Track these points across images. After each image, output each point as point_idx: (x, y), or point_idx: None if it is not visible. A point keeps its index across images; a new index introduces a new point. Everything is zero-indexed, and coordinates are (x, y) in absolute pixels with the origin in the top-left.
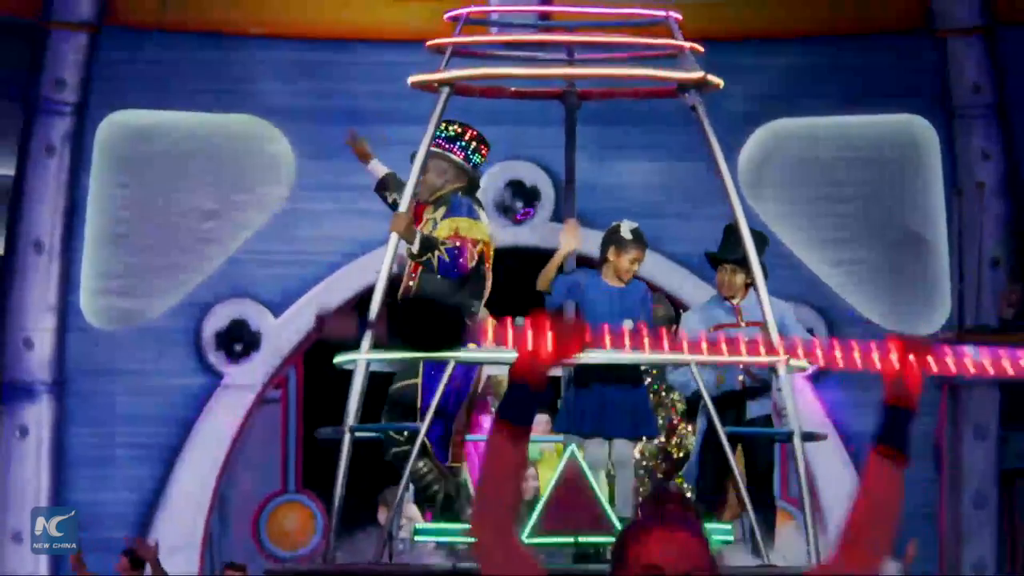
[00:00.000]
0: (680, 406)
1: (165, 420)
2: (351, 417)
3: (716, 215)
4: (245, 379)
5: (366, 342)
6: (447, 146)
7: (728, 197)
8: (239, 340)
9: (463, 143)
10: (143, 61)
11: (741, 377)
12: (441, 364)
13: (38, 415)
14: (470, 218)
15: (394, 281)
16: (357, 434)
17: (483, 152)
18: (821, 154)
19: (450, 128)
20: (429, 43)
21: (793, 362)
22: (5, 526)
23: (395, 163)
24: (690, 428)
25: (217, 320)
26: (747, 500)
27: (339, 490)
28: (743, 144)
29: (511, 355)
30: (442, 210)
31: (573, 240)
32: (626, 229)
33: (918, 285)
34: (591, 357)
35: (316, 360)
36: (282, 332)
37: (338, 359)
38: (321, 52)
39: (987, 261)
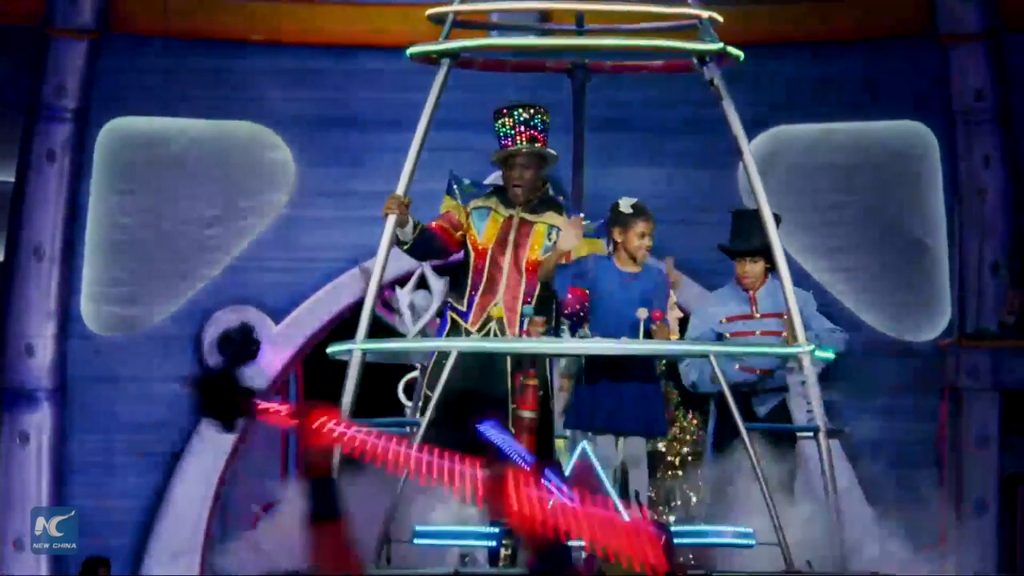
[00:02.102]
0: (674, 398)
1: (166, 426)
2: (345, 412)
3: (719, 222)
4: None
5: (361, 330)
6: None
7: (749, 176)
8: (240, 345)
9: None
10: (144, 68)
11: (738, 366)
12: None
13: (39, 421)
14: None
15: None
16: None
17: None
18: (822, 160)
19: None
20: (429, 12)
21: (819, 353)
22: (6, 532)
23: (398, 170)
24: (691, 420)
25: (218, 327)
26: (770, 500)
27: None
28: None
29: (550, 344)
30: (551, 215)
31: (571, 238)
32: (625, 204)
33: (919, 291)
34: (603, 348)
35: (315, 366)
36: (282, 338)
37: (331, 349)
38: (322, 59)
39: (988, 267)
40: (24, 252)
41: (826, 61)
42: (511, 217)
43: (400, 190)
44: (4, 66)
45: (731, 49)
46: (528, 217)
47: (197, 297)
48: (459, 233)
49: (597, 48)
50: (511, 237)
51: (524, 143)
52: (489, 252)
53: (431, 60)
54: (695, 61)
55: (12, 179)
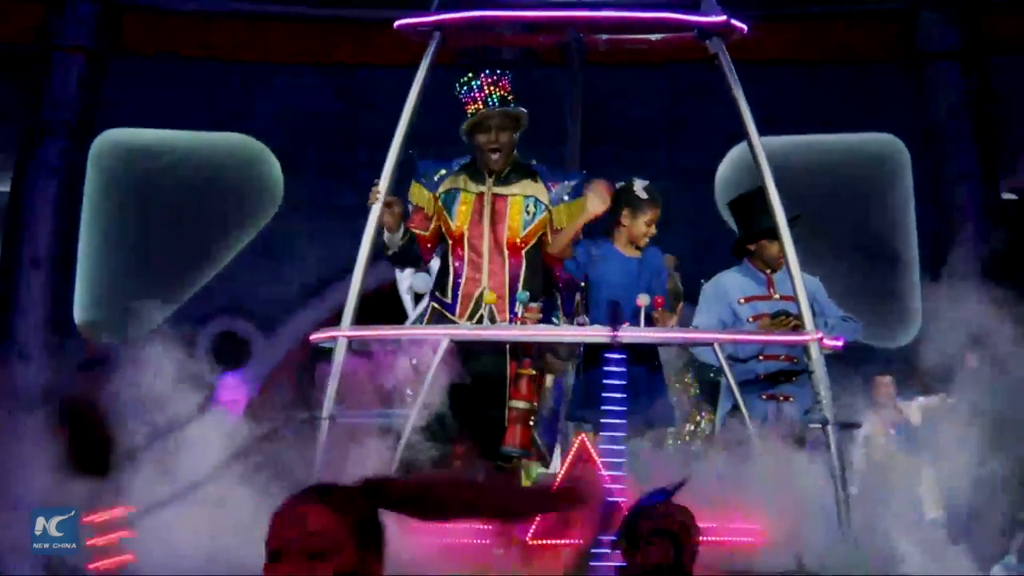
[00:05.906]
0: (693, 390)
1: (159, 433)
2: (329, 403)
3: (699, 233)
4: (237, 392)
5: (347, 317)
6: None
7: (755, 155)
8: (231, 353)
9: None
10: (139, 84)
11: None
12: None
13: (35, 429)
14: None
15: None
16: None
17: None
18: (798, 173)
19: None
20: None
21: (828, 341)
22: (4, 537)
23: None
24: (705, 416)
25: (210, 334)
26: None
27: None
28: (722, 160)
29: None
30: (526, 183)
31: (598, 202)
32: (640, 187)
33: (890, 301)
34: (604, 336)
35: (305, 371)
36: (273, 345)
37: (316, 336)
38: (312, 76)
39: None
40: (21, 261)
41: (804, 77)
42: (482, 194)
43: (387, 170)
44: (4, 82)
45: (735, 23)
46: (501, 191)
47: (189, 305)
48: (433, 226)
49: (595, 19)
50: (486, 215)
51: (497, 102)
52: (466, 235)
53: (419, 35)
54: (697, 35)
55: (8, 190)
